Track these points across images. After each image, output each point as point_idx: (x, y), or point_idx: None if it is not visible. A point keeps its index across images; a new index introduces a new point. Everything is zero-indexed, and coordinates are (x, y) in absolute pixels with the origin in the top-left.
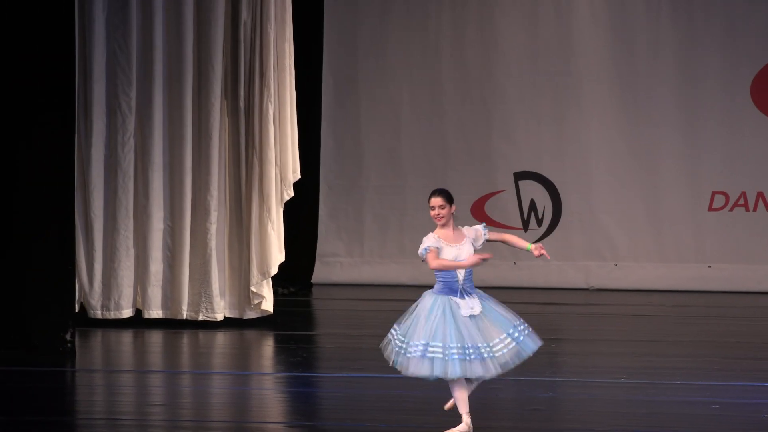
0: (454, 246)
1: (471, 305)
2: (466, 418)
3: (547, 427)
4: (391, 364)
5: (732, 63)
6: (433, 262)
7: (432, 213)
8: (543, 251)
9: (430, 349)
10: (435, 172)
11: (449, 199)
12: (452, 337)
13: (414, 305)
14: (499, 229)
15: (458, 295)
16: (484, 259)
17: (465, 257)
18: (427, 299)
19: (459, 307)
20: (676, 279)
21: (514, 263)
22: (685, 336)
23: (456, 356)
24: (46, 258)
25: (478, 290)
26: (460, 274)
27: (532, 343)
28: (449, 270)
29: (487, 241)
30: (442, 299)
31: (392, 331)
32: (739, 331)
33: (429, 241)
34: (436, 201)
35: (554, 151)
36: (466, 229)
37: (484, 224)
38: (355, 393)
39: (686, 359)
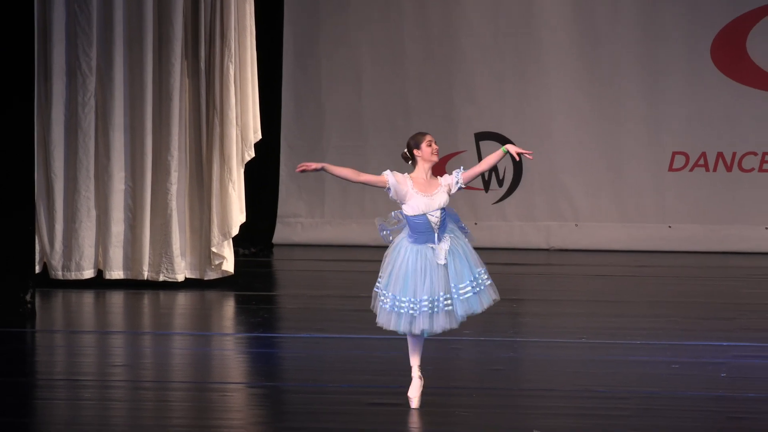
0: (425, 195)
1: (443, 250)
2: (416, 372)
3: (508, 387)
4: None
5: (693, 24)
6: (362, 176)
7: (433, 147)
8: (520, 150)
9: (397, 303)
10: (396, 133)
11: None
12: (423, 290)
13: (391, 251)
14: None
15: (432, 241)
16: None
17: (437, 208)
18: (403, 250)
19: (435, 255)
20: (636, 239)
21: (475, 223)
22: (646, 296)
23: (426, 309)
24: (5, 219)
25: (453, 229)
26: (434, 217)
27: (488, 297)
28: (422, 210)
29: (464, 186)
30: (419, 249)
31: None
32: (699, 291)
33: (396, 175)
34: (432, 137)
35: (515, 111)
36: (445, 177)
37: (461, 168)
38: (316, 354)
39: (647, 319)
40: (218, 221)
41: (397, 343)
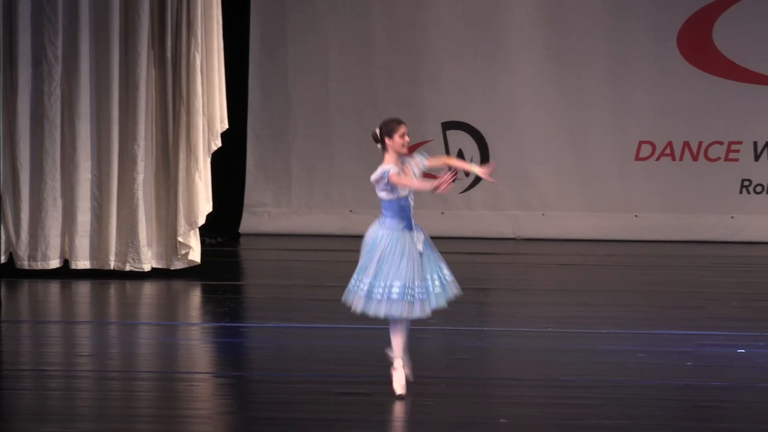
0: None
1: (420, 239)
2: (398, 363)
3: (475, 377)
4: (344, 302)
5: (659, 13)
6: (404, 180)
7: (405, 140)
8: (486, 174)
9: (377, 289)
10: (363, 122)
11: None
12: (402, 275)
13: (369, 240)
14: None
15: (410, 228)
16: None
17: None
18: (383, 237)
19: (414, 243)
20: (603, 228)
21: (442, 213)
22: (612, 285)
23: (408, 296)
24: None
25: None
26: (412, 201)
27: (452, 291)
28: (407, 190)
29: (428, 168)
30: (397, 234)
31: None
32: (665, 280)
33: (390, 167)
34: (406, 128)
35: (482, 100)
36: (410, 163)
37: (424, 154)
38: (283, 343)
39: (613, 308)
40: (185, 211)
41: (362, 332)
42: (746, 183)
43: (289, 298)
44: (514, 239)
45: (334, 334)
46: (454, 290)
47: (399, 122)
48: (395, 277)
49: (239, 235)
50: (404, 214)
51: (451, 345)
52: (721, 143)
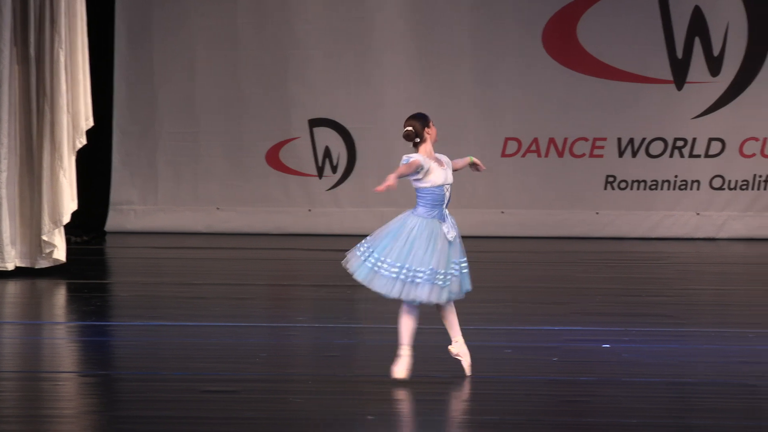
0: (443, 169)
1: (450, 230)
2: (405, 350)
3: (344, 373)
4: (354, 275)
5: (525, 11)
6: (402, 168)
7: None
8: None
9: (404, 271)
10: (230, 119)
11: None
12: (428, 261)
13: (397, 223)
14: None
15: (441, 218)
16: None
17: (451, 182)
18: (413, 223)
19: (443, 232)
20: (470, 224)
21: (309, 210)
22: (480, 281)
23: (438, 281)
24: None
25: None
26: (447, 191)
27: (466, 284)
28: (435, 186)
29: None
30: (427, 222)
31: (364, 244)
32: (533, 276)
33: (415, 155)
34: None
35: (350, 97)
36: (445, 158)
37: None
38: (151, 341)
39: (481, 304)
40: (49, 209)
41: (231, 330)
42: (611, 179)
43: (157, 296)
44: None
45: (202, 332)
46: (467, 285)
47: (425, 114)
48: (421, 263)
49: (105, 233)
50: (438, 203)
51: (320, 342)
52: (586, 140)
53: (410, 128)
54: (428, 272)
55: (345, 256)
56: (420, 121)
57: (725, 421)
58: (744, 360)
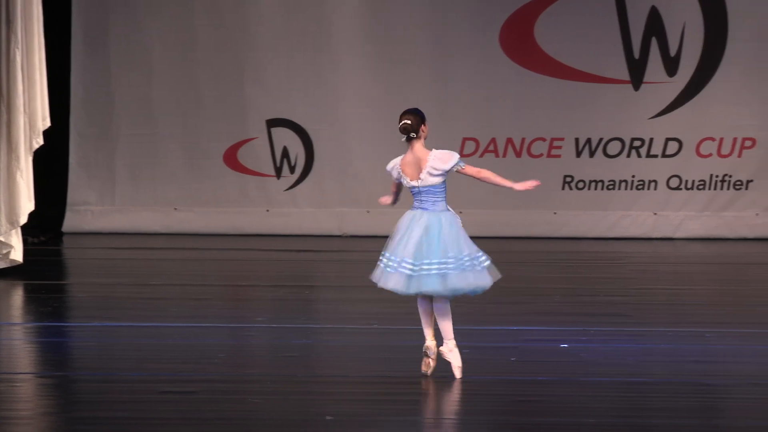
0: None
1: (423, 222)
2: (430, 342)
3: (302, 374)
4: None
5: (482, 10)
6: (484, 172)
7: None
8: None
9: (383, 259)
10: (186, 120)
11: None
12: (391, 248)
13: (408, 225)
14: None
15: (424, 209)
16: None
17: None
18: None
19: (417, 221)
20: None
21: (267, 210)
22: None
23: (387, 266)
24: None
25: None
26: (417, 191)
27: (465, 280)
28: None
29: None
30: (412, 213)
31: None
32: None
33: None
34: None
35: (306, 97)
36: (433, 158)
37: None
38: (108, 342)
39: None
40: (6, 210)
41: (190, 331)
42: (568, 179)
43: (114, 297)
44: (339, 236)
45: (160, 332)
46: (462, 284)
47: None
48: (393, 251)
49: (62, 233)
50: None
51: (278, 342)
52: (544, 140)
53: (408, 121)
54: (394, 260)
55: (303, 256)
56: (418, 116)
57: (679, 420)
58: (698, 359)
